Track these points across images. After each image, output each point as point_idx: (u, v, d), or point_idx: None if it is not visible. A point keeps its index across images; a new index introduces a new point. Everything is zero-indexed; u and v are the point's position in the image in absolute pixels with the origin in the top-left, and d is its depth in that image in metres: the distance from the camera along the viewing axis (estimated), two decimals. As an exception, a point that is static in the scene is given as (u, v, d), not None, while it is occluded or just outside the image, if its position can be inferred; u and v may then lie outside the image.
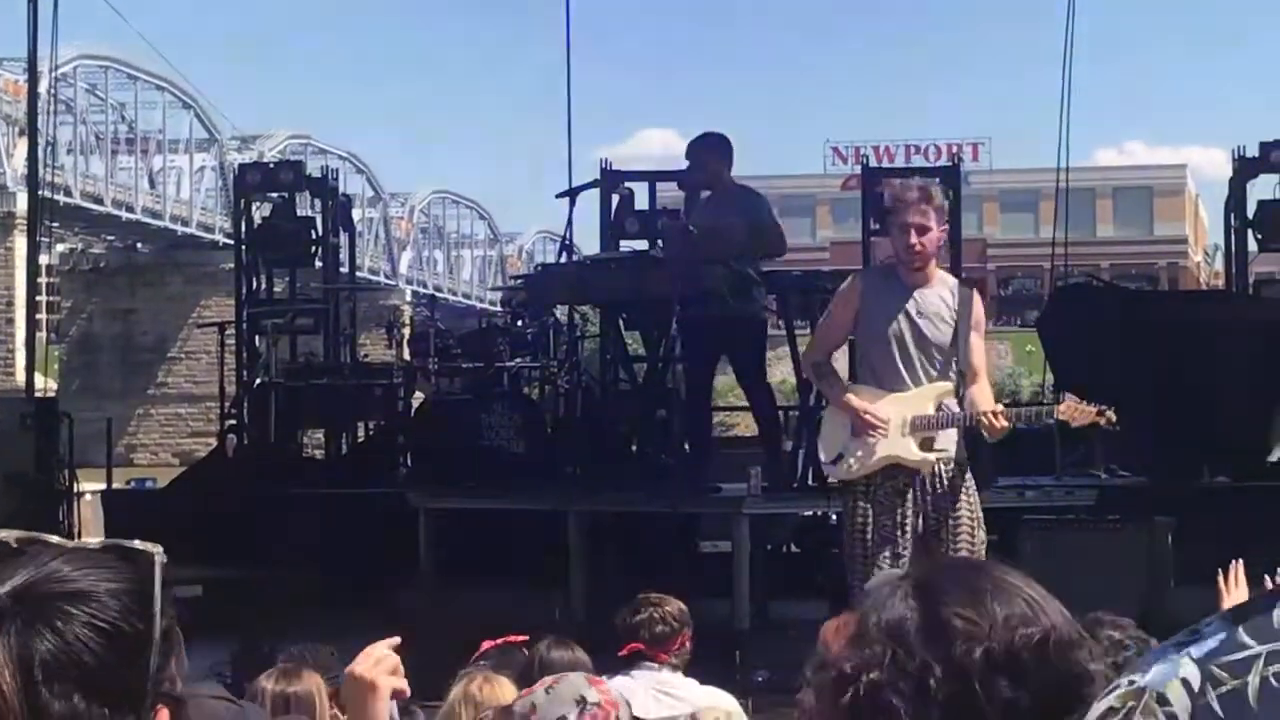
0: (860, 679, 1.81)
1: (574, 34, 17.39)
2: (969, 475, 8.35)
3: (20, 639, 1.80)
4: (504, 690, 5.20)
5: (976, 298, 8.53)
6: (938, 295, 8.31)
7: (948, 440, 8.24)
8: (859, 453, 8.24)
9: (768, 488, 11.41)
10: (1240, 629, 1.52)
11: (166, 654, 1.90)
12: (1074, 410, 8.19)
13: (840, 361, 8.84)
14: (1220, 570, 5.01)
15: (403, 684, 3.45)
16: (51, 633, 1.81)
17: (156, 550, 1.93)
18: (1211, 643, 1.52)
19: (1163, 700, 1.50)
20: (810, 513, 13.14)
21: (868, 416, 8.18)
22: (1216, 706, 1.48)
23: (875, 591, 1.95)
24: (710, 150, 12.42)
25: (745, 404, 13.26)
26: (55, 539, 1.93)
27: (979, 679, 1.78)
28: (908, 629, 1.84)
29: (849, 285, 8.64)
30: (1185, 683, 1.50)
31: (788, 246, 12.82)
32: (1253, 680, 1.49)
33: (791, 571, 12.93)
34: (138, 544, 1.93)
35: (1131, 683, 1.53)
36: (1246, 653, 1.50)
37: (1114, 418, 8.10)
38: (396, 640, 3.51)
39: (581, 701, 4.59)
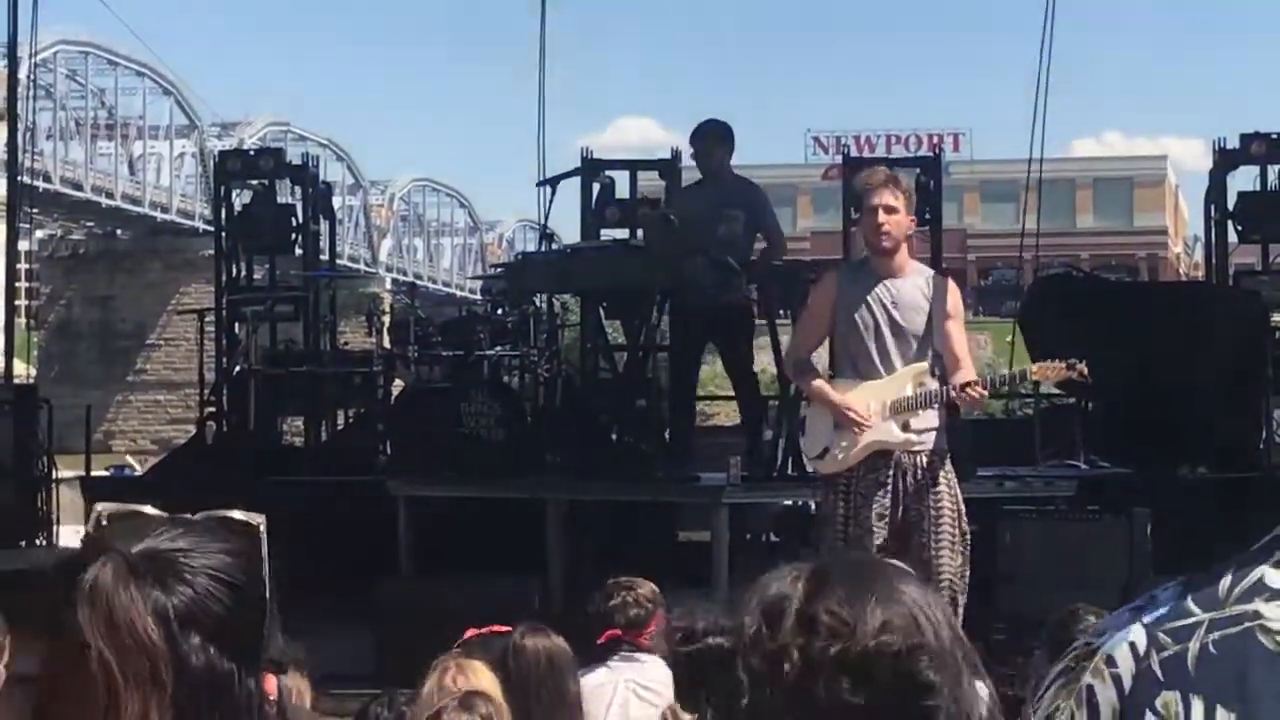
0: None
1: (551, 20, 17.38)
2: (950, 466, 8.37)
3: (155, 592, 1.87)
4: (479, 677, 5.21)
5: (953, 287, 8.55)
6: (913, 285, 8.34)
7: (929, 420, 8.27)
8: (843, 444, 8.27)
9: (747, 477, 11.42)
10: (1189, 597, 1.56)
11: (273, 623, 1.95)
12: (1046, 369, 8.32)
13: (821, 354, 8.86)
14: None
15: None
16: (183, 585, 1.89)
17: (259, 520, 1.98)
18: (1162, 609, 1.58)
19: (1110, 661, 1.55)
20: (790, 502, 13.15)
21: (849, 412, 8.21)
22: (1158, 669, 1.53)
23: (775, 570, 2.01)
24: (715, 137, 12.43)
25: (725, 394, 13.30)
26: (150, 509, 1.98)
27: (825, 676, 1.82)
28: (783, 610, 1.89)
29: (824, 281, 8.71)
30: (1132, 645, 1.56)
31: (785, 247, 12.98)
32: (1193, 646, 1.54)
33: (771, 561, 12.92)
34: (238, 514, 1.98)
35: (1088, 644, 1.59)
36: (1191, 619, 1.56)
37: (1085, 370, 8.19)
38: None
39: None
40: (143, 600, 1.85)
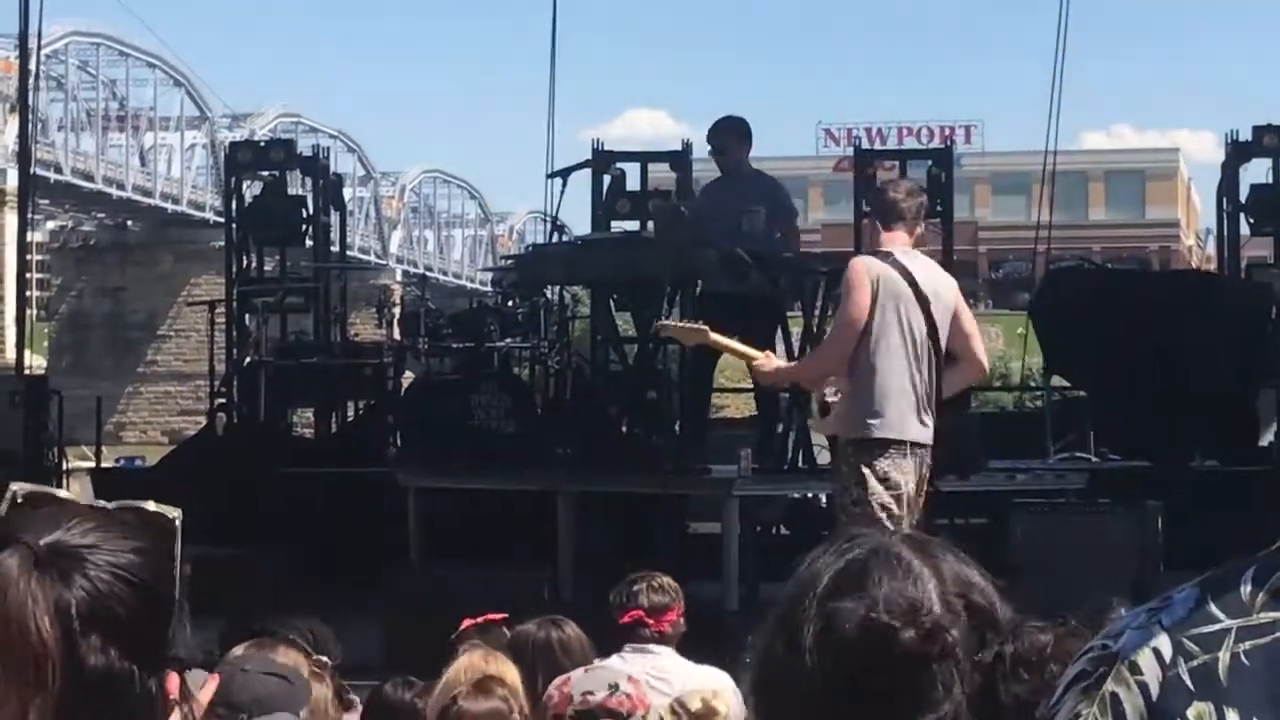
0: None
1: (561, 13, 17.36)
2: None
3: (57, 587, 1.81)
4: (505, 665, 5.21)
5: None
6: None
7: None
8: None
9: (758, 469, 11.41)
10: (1210, 601, 1.53)
11: (181, 620, 1.91)
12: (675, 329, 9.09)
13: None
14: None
15: None
16: (86, 582, 1.82)
17: (175, 514, 1.93)
18: (1181, 611, 1.54)
19: (1134, 668, 1.51)
20: (800, 495, 13.14)
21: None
22: (1187, 679, 1.49)
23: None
24: (734, 134, 12.41)
25: (735, 386, 13.29)
26: (65, 494, 1.94)
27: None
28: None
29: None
30: (1156, 652, 1.52)
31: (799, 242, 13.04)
32: (1223, 656, 1.50)
33: (781, 553, 12.92)
34: (152, 506, 1.94)
35: (1105, 647, 1.55)
36: (1217, 626, 1.52)
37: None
38: None
39: (614, 687, 4.68)
40: (43, 596, 1.79)
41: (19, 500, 1.90)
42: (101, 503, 1.92)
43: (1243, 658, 1.48)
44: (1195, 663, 1.49)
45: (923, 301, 8.18)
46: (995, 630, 1.94)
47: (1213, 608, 1.52)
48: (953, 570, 1.96)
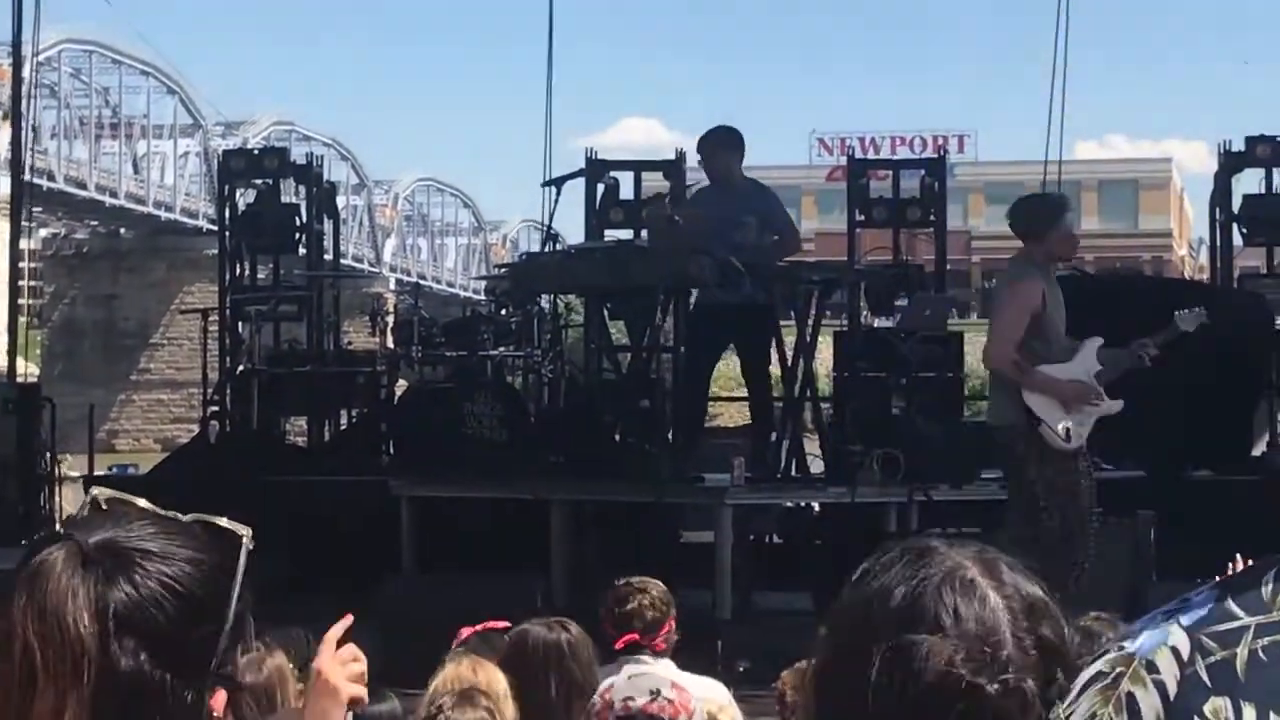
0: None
1: (557, 21, 17.36)
2: None
3: (100, 586, 1.82)
4: (493, 674, 5.19)
5: None
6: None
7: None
8: (1079, 422, 9.44)
9: (751, 478, 11.40)
10: (1229, 599, 1.53)
11: (235, 639, 1.91)
12: None
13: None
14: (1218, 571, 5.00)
15: (363, 693, 3.19)
16: (129, 584, 1.84)
17: (245, 532, 1.94)
18: (1200, 611, 1.53)
19: (1151, 667, 1.51)
20: (793, 504, 13.13)
21: (1086, 390, 9.47)
22: (1205, 676, 1.49)
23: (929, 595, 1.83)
24: (724, 144, 12.43)
25: (728, 395, 13.29)
26: (143, 503, 1.94)
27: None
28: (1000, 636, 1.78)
29: (1035, 281, 9.59)
30: (1174, 651, 1.51)
31: (800, 243, 13.13)
32: (1241, 652, 1.50)
33: (774, 562, 12.92)
34: (224, 522, 1.95)
35: (1121, 648, 1.55)
36: (1236, 624, 1.52)
37: None
38: (350, 620, 3.34)
39: (655, 693, 4.68)
40: (84, 591, 1.80)
41: (101, 505, 1.91)
42: (174, 514, 1.93)
43: (1260, 654, 1.48)
44: (1213, 659, 1.49)
45: None
46: (1064, 665, 1.78)
47: (1232, 606, 1.52)
48: (1022, 598, 1.84)
